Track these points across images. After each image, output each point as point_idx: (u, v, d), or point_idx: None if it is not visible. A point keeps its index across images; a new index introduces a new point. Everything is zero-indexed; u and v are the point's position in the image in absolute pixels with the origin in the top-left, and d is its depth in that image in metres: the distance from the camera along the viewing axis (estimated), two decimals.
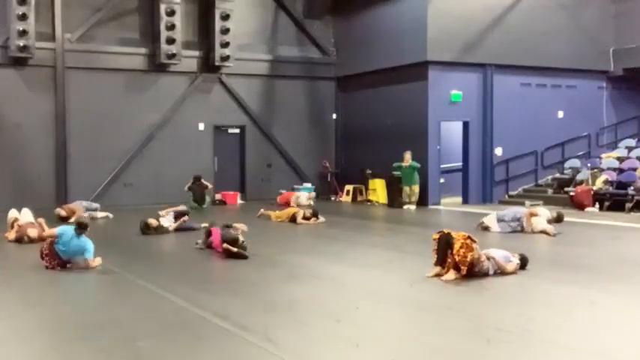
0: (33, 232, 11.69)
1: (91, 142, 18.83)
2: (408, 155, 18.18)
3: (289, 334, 5.99)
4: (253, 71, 20.95)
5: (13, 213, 12.59)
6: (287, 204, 18.25)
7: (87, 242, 9.37)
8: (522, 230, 12.50)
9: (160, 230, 12.94)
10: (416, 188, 18.14)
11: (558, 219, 12.78)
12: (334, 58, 22.04)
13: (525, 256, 8.89)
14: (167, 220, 13.25)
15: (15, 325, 6.55)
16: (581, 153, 20.30)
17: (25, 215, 12.49)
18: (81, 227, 9.42)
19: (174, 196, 18.40)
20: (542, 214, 12.70)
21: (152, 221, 12.99)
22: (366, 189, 20.74)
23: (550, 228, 12.34)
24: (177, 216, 13.49)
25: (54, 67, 18.35)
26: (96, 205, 16.41)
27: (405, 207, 18.09)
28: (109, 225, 14.99)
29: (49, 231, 10.13)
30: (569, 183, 18.54)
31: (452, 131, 19.73)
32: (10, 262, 10.41)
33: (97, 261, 9.39)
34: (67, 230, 9.48)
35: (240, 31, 20.34)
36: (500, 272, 8.45)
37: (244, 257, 9.91)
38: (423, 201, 18.41)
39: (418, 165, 18.03)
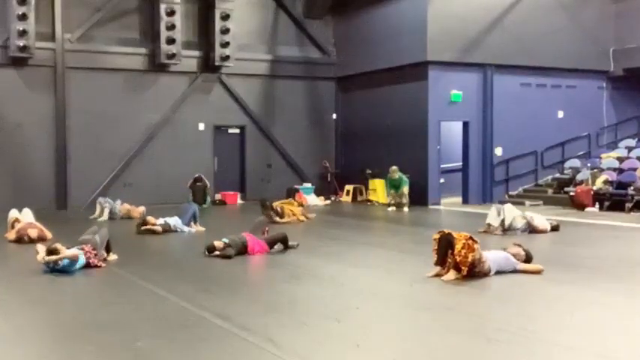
0: (33, 232, 11.70)
1: (91, 142, 18.83)
2: (395, 174, 17.86)
3: (290, 334, 6.00)
4: (253, 71, 20.94)
5: (13, 213, 12.60)
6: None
7: (68, 265, 8.83)
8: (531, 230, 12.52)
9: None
10: (405, 190, 17.90)
11: (555, 228, 12.87)
12: (334, 58, 22.04)
13: (529, 252, 8.94)
14: (173, 221, 13.24)
15: (15, 325, 6.54)
16: (581, 153, 20.31)
17: (26, 215, 12.50)
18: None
19: (175, 195, 18.44)
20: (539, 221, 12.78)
21: (149, 222, 13.03)
22: (366, 189, 20.74)
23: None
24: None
25: (54, 67, 18.35)
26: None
27: (390, 209, 17.85)
28: (109, 225, 14.95)
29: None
30: (569, 183, 18.54)
31: (452, 131, 19.74)
32: (10, 262, 10.42)
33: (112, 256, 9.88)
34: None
35: (240, 31, 20.34)
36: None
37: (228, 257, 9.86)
38: (423, 201, 18.42)
39: (407, 180, 17.91)
